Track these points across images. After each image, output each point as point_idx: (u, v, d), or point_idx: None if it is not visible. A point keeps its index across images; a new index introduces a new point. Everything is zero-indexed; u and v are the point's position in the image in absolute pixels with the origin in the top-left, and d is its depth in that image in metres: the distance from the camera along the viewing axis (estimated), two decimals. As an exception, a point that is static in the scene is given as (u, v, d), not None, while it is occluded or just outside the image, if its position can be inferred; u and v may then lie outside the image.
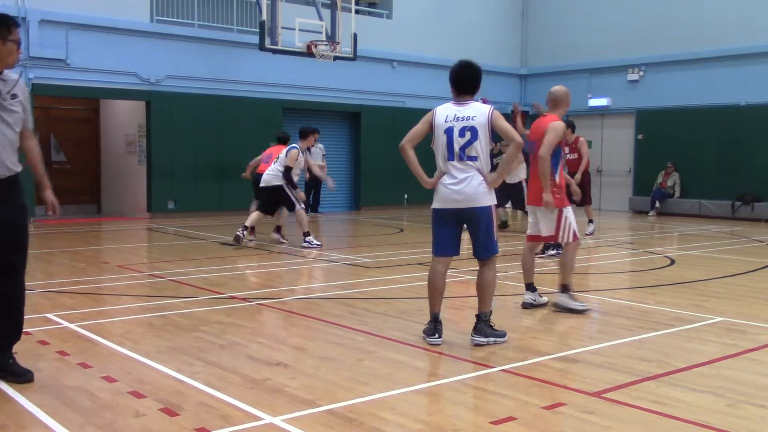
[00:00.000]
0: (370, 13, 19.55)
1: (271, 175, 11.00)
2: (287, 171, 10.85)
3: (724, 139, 17.59)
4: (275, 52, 15.01)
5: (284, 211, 11.56)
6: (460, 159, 5.23)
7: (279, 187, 10.92)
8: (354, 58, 16.05)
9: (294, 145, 11.06)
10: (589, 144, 13.00)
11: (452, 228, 5.36)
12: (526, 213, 12.11)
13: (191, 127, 15.94)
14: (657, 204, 18.30)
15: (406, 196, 19.20)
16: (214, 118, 16.21)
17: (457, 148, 5.22)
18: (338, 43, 15.43)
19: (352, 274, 8.91)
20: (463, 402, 4.09)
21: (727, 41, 17.57)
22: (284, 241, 11.51)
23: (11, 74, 4.30)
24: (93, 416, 3.77)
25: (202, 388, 4.24)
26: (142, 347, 5.14)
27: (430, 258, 5.50)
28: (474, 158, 5.22)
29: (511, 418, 3.80)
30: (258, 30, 15.05)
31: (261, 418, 3.76)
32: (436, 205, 5.37)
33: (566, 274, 6.58)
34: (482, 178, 5.23)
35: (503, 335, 5.41)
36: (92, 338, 5.35)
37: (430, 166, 5.07)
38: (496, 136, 5.43)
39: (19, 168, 4.28)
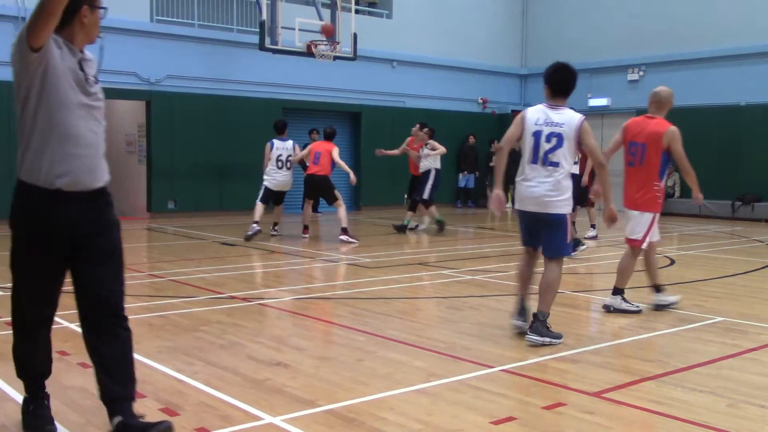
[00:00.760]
0: (370, 13, 19.55)
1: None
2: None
3: (724, 139, 17.58)
4: (275, 52, 15.01)
5: (281, 208, 12.57)
6: (543, 163, 5.34)
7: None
8: (354, 58, 16.05)
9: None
10: None
11: (530, 225, 5.54)
12: (421, 202, 12.68)
13: (191, 127, 15.93)
14: (657, 204, 18.27)
15: (405, 196, 19.20)
16: (214, 118, 16.21)
17: (542, 152, 5.33)
18: (338, 43, 15.43)
19: (352, 274, 8.91)
20: (463, 402, 4.09)
21: (727, 41, 17.57)
22: (275, 232, 12.40)
23: (89, 53, 3.43)
24: (93, 416, 3.77)
25: (202, 388, 4.24)
26: (142, 347, 5.13)
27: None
28: (556, 164, 5.31)
29: (511, 418, 3.80)
30: (258, 30, 15.04)
31: (261, 418, 3.76)
32: (515, 204, 5.60)
33: (624, 278, 6.51)
34: (561, 185, 5.31)
35: (559, 337, 5.38)
36: (92, 338, 5.34)
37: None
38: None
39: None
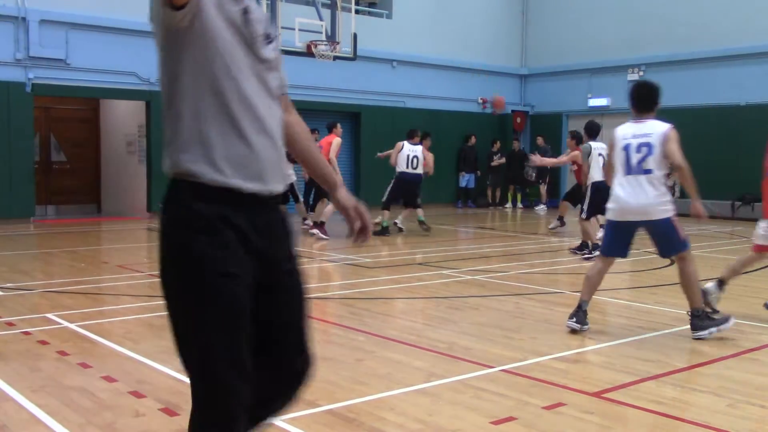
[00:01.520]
0: (370, 13, 19.55)
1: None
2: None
3: (724, 139, 17.58)
4: (275, 51, 14.99)
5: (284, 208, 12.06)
6: (637, 173, 5.58)
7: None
8: (354, 58, 16.04)
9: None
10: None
11: (625, 235, 5.70)
12: (414, 207, 12.73)
13: (191, 127, 15.90)
14: (657, 204, 18.28)
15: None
16: (214, 118, 16.18)
17: (634, 162, 5.59)
18: (338, 43, 15.42)
19: (352, 274, 8.91)
20: (463, 402, 4.09)
21: (727, 41, 17.57)
22: (324, 236, 11.79)
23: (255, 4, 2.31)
24: (93, 416, 3.76)
25: (202, 388, 4.24)
26: (142, 347, 5.14)
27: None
28: (649, 171, 5.57)
29: (511, 418, 3.80)
30: (258, 30, 15.03)
31: (261, 418, 3.75)
32: (611, 216, 5.74)
33: (733, 275, 6.62)
34: (659, 189, 5.56)
35: (725, 320, 5.54)
36: (92, 338, 5.34)
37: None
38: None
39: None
